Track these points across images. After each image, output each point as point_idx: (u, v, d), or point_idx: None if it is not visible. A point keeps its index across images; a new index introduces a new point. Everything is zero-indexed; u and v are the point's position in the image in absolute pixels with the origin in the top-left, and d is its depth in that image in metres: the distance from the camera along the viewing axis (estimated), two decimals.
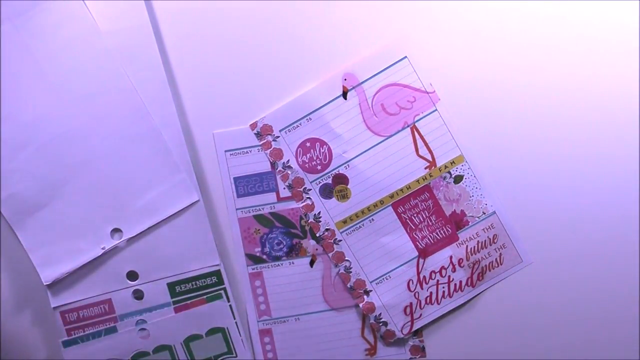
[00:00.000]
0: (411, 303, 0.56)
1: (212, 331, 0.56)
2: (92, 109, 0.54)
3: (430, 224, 0.56)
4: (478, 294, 0.57)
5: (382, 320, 0.56)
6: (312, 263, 0.57)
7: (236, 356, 0.56)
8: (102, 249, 0.54)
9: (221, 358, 0.56)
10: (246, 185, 0.56)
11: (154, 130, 0.54)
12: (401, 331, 0.57)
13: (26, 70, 0.53)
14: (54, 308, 0.55)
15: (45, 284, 0.54)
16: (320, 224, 0.56)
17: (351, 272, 0.56)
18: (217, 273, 0.56)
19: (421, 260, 0.56)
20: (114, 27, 0.53)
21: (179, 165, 0.54)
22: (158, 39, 0.54)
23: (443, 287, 0.56)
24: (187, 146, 0.55)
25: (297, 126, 0.55)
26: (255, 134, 0.55)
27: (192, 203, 0.55)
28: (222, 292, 0.56)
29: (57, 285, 0.55)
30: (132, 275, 0.55)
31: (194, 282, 0.55)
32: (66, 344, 0.55)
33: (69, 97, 0.53)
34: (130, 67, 0.53)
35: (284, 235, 0.56)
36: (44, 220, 0.54)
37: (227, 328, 0.56)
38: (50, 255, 0.54)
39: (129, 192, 0.54)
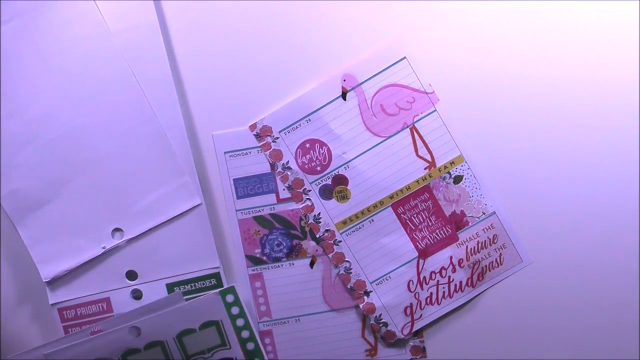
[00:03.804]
0: (411, 304, 0.56)
1: (206, 325, 0.55)
2: (99, 107, 0.54)
3: (430, 224, 0.56)
4: (478, 294, 0.57)
5: (383, 321, 0.56)
6: (312, 264, 0.57)
7: (230, 348, 0.55)
8: (103, 248, 0.54)
9: (214, 350, 0.55)
10: (246, 186, 0.56)
11: (159, 131, 0.54)
12: (402, 332, 0.56)
13: (34, 66, 0.53)
14: (52, 304, 0.55)
15: (44, 280, 0.54)
16: (320, 225, 0.56)
17: (351, 272, 0.56)
18: (217, 275, 0.55)
19: (421, 261, 0.56)
20: (123, 26, 0.53)
21: (182, 168, 0.54)
22: (165, 38, 0.54)
23: (443, 288, 0.56)
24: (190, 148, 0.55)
25: (297, 127, 0.56)
26: (254, 135, 0.56)
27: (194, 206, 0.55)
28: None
29: (56, 282, 0.55)
30: (131, 275, 0.55)
31: (193, 284, 0.55)
32: None
33: (76, 95, 0.54)
34: (137, 67, 0.54)
35: (283, 236, 0.56)
36: (45, 217, 0.54)
37: (221, 321, 0.55)
38: (51, 252, 0.54)
39: (131, 193, 0.54)
